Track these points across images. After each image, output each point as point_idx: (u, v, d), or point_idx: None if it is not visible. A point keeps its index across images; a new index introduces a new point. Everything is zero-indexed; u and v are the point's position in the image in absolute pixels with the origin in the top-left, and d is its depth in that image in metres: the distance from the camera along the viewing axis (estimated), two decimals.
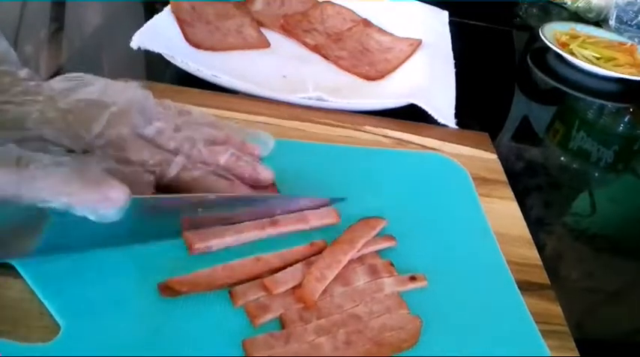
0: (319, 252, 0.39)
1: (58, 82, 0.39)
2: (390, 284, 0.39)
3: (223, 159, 0.42)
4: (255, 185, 0.43)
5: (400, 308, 0.37)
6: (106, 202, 0.31)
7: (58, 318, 0.32)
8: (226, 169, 0.42)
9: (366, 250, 0.40)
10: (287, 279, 0.37)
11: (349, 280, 0.38)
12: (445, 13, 0.85)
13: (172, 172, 0.39)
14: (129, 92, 0.40)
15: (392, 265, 0.40)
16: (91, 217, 0.32)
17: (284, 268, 0.38)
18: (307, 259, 0.39)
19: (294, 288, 0.36)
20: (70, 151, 0.36)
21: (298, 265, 0.38)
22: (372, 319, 0.36)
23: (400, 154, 0.54)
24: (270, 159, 0.46)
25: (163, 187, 0.39)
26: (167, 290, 0.35)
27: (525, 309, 0.40)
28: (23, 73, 0.38)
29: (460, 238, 0.45)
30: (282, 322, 0.35)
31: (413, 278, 0.39)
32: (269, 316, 0.35)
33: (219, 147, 0.42)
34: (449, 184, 0.51)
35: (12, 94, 0.36)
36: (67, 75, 0.40)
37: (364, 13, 0.81)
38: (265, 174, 0.43)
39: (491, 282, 0.41)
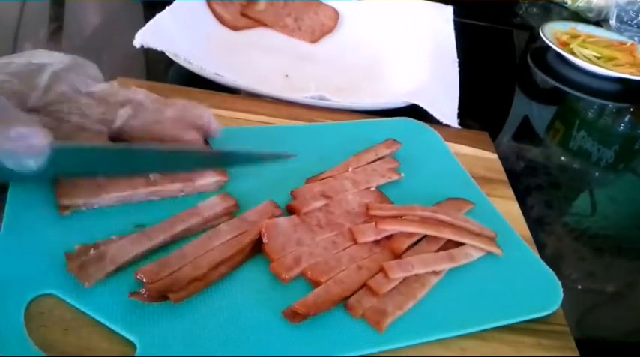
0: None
1: None
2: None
3: (170, 111, 0.43)
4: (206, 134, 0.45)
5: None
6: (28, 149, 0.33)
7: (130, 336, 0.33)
8: (177, 119, 0.43)
9: None
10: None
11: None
12: (450, 9, 0.83)
13: (118, 122, 0.41)
14: (67, 58, 0.43)
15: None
16: (9, 165, 0.32)
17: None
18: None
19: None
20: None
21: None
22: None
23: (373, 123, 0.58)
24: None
25: (114, 137, 0.41)
26: (295, 316, 0.35)
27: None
28: None
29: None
30: None
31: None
32: (389, 319, 0.36)
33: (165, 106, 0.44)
34: (424, 143, 0.55)
35: None
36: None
37: (366, 12, 0.81)
38: (216, 125, 0.45)
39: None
